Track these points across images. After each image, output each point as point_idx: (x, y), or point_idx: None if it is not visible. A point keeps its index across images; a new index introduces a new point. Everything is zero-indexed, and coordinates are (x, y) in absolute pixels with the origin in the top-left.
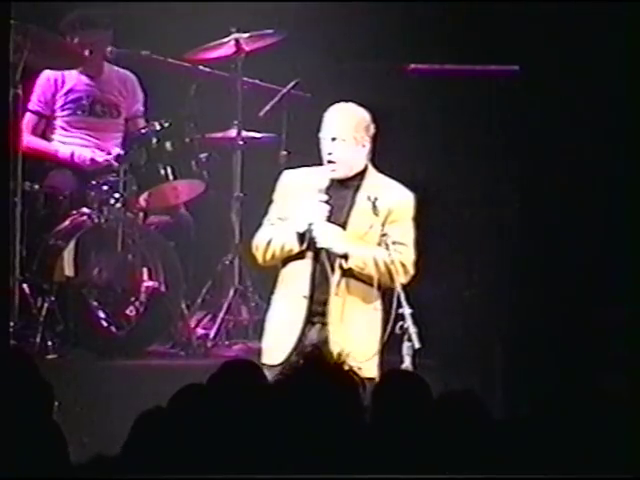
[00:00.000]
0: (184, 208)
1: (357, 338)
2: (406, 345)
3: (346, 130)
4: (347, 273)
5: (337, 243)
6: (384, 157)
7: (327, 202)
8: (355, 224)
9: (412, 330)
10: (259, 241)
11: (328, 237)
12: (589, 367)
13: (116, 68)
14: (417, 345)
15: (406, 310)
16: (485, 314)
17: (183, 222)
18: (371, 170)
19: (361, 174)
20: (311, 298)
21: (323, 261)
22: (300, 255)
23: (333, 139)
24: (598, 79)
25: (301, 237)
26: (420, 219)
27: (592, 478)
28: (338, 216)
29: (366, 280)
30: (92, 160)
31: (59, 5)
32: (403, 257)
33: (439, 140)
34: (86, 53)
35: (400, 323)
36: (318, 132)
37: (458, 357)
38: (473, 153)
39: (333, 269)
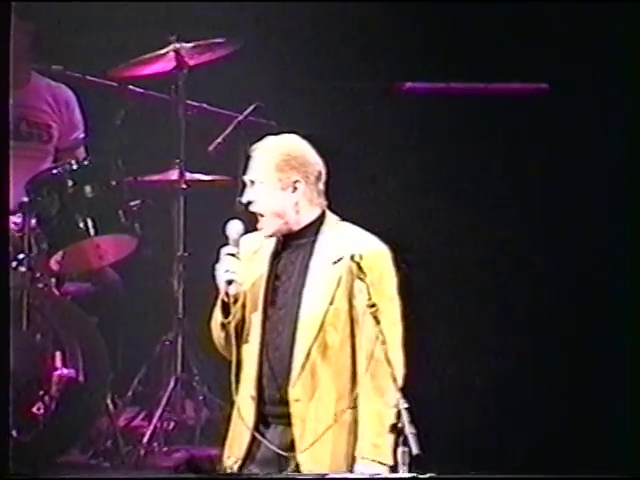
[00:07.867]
0: (112, 271)
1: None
2: (401, 450)
3: (265, 170)
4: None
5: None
6: (354, 201)
7: (273, 263)
8: (310, 301)
9: (409, 431)
10: (212, 322)
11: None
12: (589, 367)
13: (46, 79)
14: (415, 451)
15: (401, 404)
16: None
17: (110, 290)
18: (329, 219)
19: (314, 226)
20: (260, 397)
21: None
22: (246, 338)
23: (252, 182)
24: (598, 86)
25: (223, 305)
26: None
27: (592, 478)
28: (289, 289)
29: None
30: None
31: (59, 5)
32: (385, 354)
33: (427, 179)
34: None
35: (393, 422)
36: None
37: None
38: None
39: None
